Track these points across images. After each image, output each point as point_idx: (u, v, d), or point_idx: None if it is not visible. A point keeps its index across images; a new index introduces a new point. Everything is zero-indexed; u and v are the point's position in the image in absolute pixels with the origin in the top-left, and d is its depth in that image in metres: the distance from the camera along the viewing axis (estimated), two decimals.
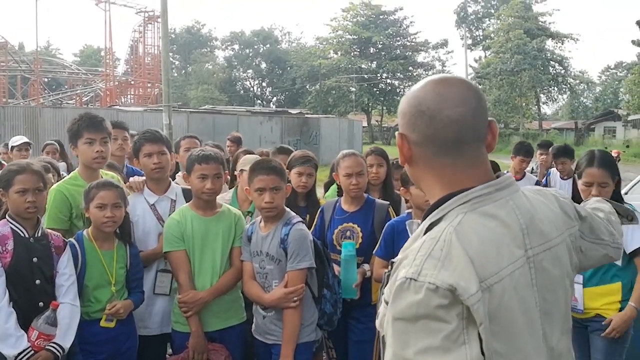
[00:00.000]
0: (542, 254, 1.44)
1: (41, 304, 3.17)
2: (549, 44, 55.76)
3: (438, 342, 1.22)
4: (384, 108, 61.05)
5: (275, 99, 70.98)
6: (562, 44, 56.31)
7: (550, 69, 56.42)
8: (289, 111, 36.72)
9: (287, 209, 3.59)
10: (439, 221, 1.39)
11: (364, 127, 47.16)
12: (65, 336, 3.19)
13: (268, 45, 70.70)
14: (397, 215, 4.04)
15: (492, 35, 58.77)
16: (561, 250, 1.53)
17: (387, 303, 1.36)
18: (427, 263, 1.27)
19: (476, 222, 1.36)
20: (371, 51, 60.60)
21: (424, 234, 1.39)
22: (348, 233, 3.96)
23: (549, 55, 55.42)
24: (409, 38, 61.35)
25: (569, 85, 59.05)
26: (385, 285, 1.43)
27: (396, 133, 1.49)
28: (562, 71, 57.13)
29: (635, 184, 9.97)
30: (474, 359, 1.23)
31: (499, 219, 1.39)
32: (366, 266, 3.89)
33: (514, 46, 51.27)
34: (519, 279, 1.36)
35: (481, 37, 64.41)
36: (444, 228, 1.34)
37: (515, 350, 1.32)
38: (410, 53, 60.63)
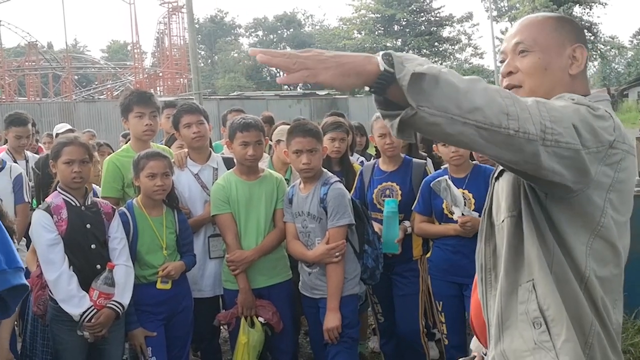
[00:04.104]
0: None
1: (98, 266, 3.37)
2: (577, 10, 54.38)
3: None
4: None
5: (301, 83, 70.72)
6: (590, 10, 54.88)
7: None
8: (317, 93, 36.72)
9: (325, 170, 3.72)
10: None
11: None
12: (123, 294, 3.40)
13: (292, 30, 70.43)
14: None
15: (518, 5, 57.72)
16: None
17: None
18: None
19: None
20: (395, 29, 59.71)
21: None
22: (387, 192, 4.07)
23: (577, 21, 54.14)
24: (433, 13, 60.26)
25: (599, 52, 57.68)
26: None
27: (577, 47, 1.80)
28: (592, 37, 55.70)
29: None
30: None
31: None
32: (407, 223, 4.01)
33: None
34: None
35: (506, 8, 63.14)
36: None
37: None
38: (435, 28, 59.55)
